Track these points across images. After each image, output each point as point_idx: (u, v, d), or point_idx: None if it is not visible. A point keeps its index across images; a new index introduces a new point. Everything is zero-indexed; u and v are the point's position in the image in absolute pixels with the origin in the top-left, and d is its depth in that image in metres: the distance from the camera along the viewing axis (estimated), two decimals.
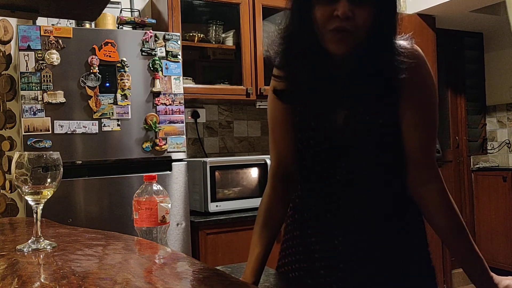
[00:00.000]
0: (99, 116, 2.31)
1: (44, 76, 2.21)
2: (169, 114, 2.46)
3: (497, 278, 1.10)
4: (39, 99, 2.20)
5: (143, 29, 2.65)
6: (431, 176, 1.08)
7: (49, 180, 0.93)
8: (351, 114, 1.07)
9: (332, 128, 1.09)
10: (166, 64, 2.47)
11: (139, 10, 3.03)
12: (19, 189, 0.94)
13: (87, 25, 2.57)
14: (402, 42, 1.06)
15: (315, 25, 1.00)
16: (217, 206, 2.69)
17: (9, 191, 2.63)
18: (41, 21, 2.42)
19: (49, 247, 0.92)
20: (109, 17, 2.65)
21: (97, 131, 2.31)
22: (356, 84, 1.04)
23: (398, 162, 1.09)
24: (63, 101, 2.24)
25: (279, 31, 1.09)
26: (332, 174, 1.11)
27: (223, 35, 3.09)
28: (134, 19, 2.70)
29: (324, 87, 1.07)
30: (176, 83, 2.49)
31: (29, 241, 0.93)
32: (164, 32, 2.50)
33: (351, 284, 1.10)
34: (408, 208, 1.13)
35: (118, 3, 2.87)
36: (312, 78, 1.06)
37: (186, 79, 2.78)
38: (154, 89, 2.42)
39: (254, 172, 2.84)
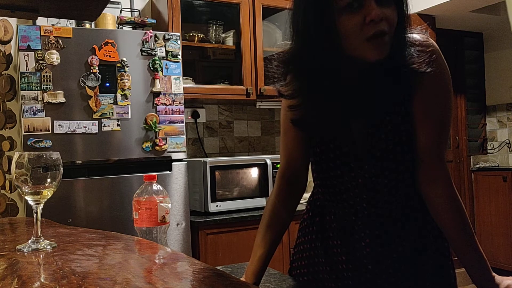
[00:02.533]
0: (99, 116, 2.31)
1: (44, 76, 2.21)
2: (169, 114, 2.46)
3: (498, 278, 1.09)
4: (39, 99, 2.20)
5: (143, 29, 2.65)
6: (439, 174, 1.06)
7: (49, 180, 0.93)
8: (370, 117, 1.05)
9: (351, 132, 1.07)
10: (166, 64, 2.47)
11: (139, 10, 3.03)
12: (19, 189, 0.94)
13: (87, 25, 2.57)
14: (416, 35, 1.03)
15: (343, 37, 0.94)
16: (217, 206, 2.69)
17: (9, 191, 2.63)
18: (41, 21, 2.42)
19: (49, 247, 0.92)
20: (109, 17, 2.65)
21: (97, 131, 2.31)
22: (374, 87, 1.01)
23: (413, 160, 1.07)
24: (63, 101, 2.24)
25: (286, 57, 1.04)
26: (352, 177, 1.09)
27: (223, 35, 3.09)
28: (134, 19, 2.70)
29: (343, 98, 1.03)
30: (176, 83, 2.49)
31: (29, 241, 0.93)
32: (164, 32, 2.50)
33: (380, 285, 1.09)
34: (425, 208, 1.11)
35: (118, 3, 2.87)
36: (330, 95, 1.02)
37: (186, 79, 2.78)
38: (154, 89, 2.42)
39: (254, 172, 2.84)
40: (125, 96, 2.36)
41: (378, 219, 1.10)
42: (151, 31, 2.47)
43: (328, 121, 1.07)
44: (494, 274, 1.09)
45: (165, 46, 2.47)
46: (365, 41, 0.93)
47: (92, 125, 2.30)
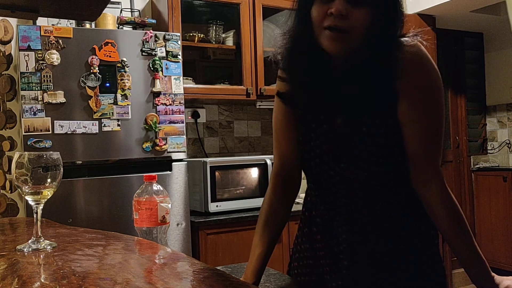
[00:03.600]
0: (99, 116, 2.31)
1: (44, 76, 2.21)
2: (169, 114, 2.46)
3: (498, 278, 1.10)
4: (39, 99, 2.20)
5: (143, 29, 2.65)
6: (432, 176, 1.06)
7: (49, 180, 0.93)
8: (351, 116, 1.06)
9: (333, 130, 1.09)
10: (166, 64, 2.47)
11: (139, 10, 3.03)
12: (19, 189, 0.94)
13: (87, 25, 2.57)
14: (403, 39, 1.04)
15: (313, 24, 1.01)
16: (217, 206, 2.69)
17: (10, 191, 2.63)
18: (41, 21, 2.42)
19: (49, 247, 0.92)
20: (109, 17, 2.65)
21: (97, 131, 2.31)
22: (356, 85, 1.02)
23: (401, 161, 1.07)
24: (63, 101, 2.24)
25: (283, 33, 1.09)
26: (336, 174, 1.10)
27: (223, 35, 3.09)
28: (134, 19, 2.70)
29: (324, 88, 1.06)
30: (176, 83, 2.49)
31: (29, 241, 0.93)
32: (164, 32, 2.50)
33: (356, 282, 1.10)
34: (414, 207, 1.11)
35: (118, 3, 2.87)
36: (313, 79, 1.06)
37: (186, 79, 2.78)
38: (154, 89, 2.42)
39: (254, 172, 2.84)
40: (125, 96, 2.36)
41: (357, 217, 1.11)
42: (151, 31, 2.47)
43: (317, 114, 1.11)
44: (493, 274, 1.09)
45: (165, 46, 2.47)
46: (323, 31, 0.98)
47: (92, 125, 2.30)
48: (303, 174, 1.24)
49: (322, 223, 1.16)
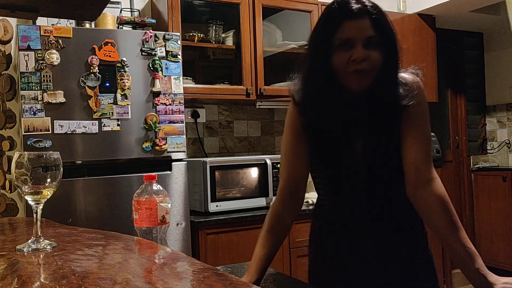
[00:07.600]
0: (99, 116, 2.31)
1: (44, 76, 2.21)
2: (169, 114, 2.46)
3: (493, 277, 1.11)
4: (39, 99, 2.20)
5: (143, 29, 2.65)
6: (432, 176, 1.21)
7: (49, 180, 0.93)
8: (367, 141, 1.24)
9: (354, 151, 1.25)
10: (166, 64, 2.47)
11: (139, 10, 3.03)
12: (19, 189, 0.94)
13: (87, 25, 2.57)
14: (406, 75, 1.24)
15: (334, 68, 1.16)
16: (217, 206, 2.69)
17: (9, 191, 2.63)
18: (41, 21, 2.42)
19: (49, 247, 0.92)
20: (109, 17, 2.65)
21: (97, 131, 2.31)
22: (378, 113, 1.22)
23: (401, 173, 1.25)
24: (63, 101, 2.24)
25: (302, 77, 1.25)
26: (358, 190, 1.27)
27: (223, 35, 3.09)
28: (134, 19, 2.70)
29: (343, 119, 1.23)
30: (176, 83, 2.49)
31: (29, 241, 0.93)
32: (164, 32, 2.50)
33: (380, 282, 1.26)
34: (413, 217, 1.29)
35: (118, 3, 2.87)
36: (335, 111, 1.22)
37: (186, 79, 2.78)
38: (154, 89, 2.42)
39: (254, 172, 2.84)
40: (125, 96, 2.36)
41: (380, 227, 1.28)
42: (151, 31, 2.47)
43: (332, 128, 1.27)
44: (489, 272, 1.12)
45: (165, 46, 2.47)
46: (348, 74, 1.16)
47: (92, 125, 2.30)
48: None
49: (347, 233, 1.30)
